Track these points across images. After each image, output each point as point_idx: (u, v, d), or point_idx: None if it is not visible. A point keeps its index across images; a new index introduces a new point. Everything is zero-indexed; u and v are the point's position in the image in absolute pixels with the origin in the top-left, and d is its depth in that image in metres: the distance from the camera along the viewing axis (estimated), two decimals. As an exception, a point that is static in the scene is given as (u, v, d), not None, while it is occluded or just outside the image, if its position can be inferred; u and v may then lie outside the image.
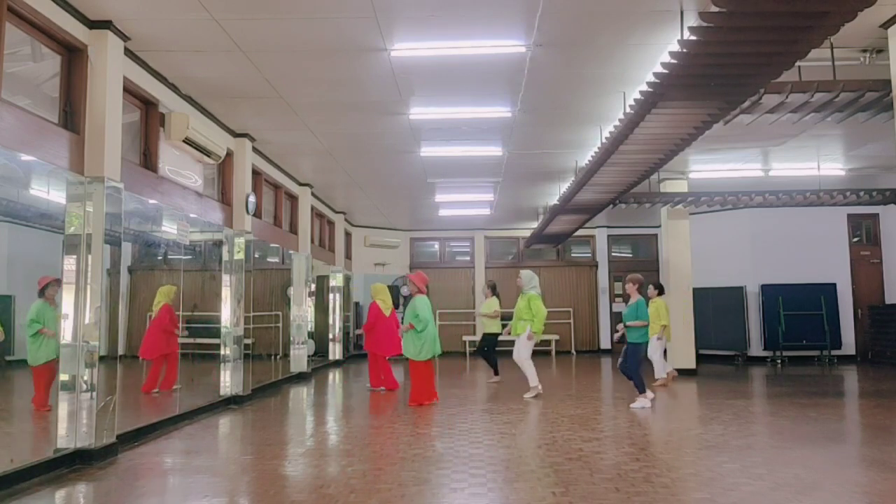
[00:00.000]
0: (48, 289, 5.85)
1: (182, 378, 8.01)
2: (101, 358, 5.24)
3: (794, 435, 6.08)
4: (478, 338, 16.40)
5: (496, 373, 10.49)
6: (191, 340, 8.94)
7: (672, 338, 10.30)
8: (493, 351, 10.70)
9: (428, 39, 5.76)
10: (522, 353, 8.80)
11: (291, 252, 11.55)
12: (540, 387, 8.66)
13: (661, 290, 10.11)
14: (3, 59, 4.39)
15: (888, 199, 10.55)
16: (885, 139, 8.77)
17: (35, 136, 4.77)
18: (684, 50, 4.61)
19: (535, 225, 14.47)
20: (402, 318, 8.61)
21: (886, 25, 5.37)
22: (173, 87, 6.80)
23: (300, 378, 11.19)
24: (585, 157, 9.28)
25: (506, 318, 10.47)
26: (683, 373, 11.18)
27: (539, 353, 16.06)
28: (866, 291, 13.76)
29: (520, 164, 10.24)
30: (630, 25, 5.47)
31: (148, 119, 6.54)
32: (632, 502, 3.95)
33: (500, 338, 10.74)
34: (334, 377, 12.09)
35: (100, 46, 5.35)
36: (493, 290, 11.04)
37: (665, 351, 9.99)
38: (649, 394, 7.84)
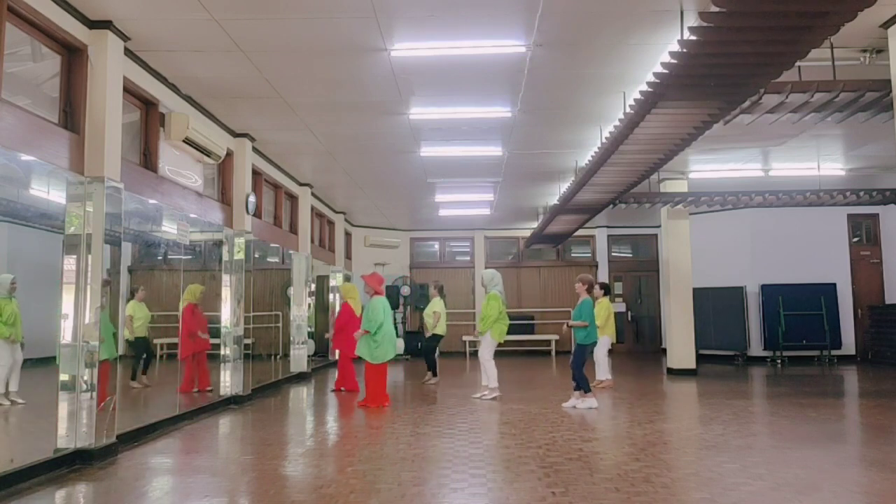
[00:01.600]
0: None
1: (182, 378, 8.02)
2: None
3: (794, 435, 6.08)
4: (476, 337, 16.47)
5: (434, 374, 10.54)
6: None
7: (614, 338, 10.29)
8: (431, 352, 10.65)
9: (428, 39, 5.76)
10: (484, 353, 8.78)
11: (291, 252, 11.56)
12: (498, 392, 8.59)
13: (606, 291, 10.23)
14: (3, 59, 4.39)
15: (888, 199, 10.54)
16: (885, 139, 8.77)
17: (35, 136, 4.77)
18: (684, 50, 4.60)
19: (535, 225, 14.47)
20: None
21: (886, 25, 5.37)
22: (173, 87, 6.80)
23: (300, 378, 11.19)
24: (585, 157, 9.28)
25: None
26: (684, 373, 11.18)
27: (539, 353, 16.18)
28: (866, 291, 13.76)
29: (520, 164, 10.24)
30: (630, 25, 5.47)
31: (148, 119, 6.54)
32: (632, 502, 3.95)
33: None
34: (334, 377, 12.06)
35: (100, 46, 5.35)
36: (439, 290, 10.88)
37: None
38: (591, 400, 7.71)
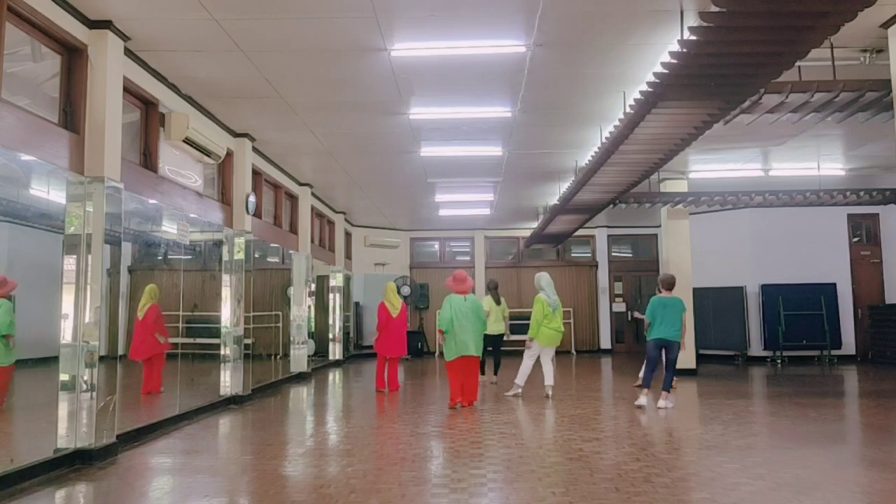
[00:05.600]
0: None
1: (182, 378, 8.00)
2: (101, 358, 5.25)
3: (794, 435, 6.08)
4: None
5: (482, 373, 10.36)
6: (191, 340, 8.93)
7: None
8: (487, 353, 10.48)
9: (428, 39, 5.76)
10: (527, 352, 8.79)
11: (291, 252, 11.56)
12: (520, 390, 8.59)
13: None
14: (3, 59, 4.39)
15: (888, 199, 10.54)
16: (885, 139, 8.77)
17: (35, 136, 4.77)
18: (684, 50, 4.61)
19: (535, 225, 14.47)
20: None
21: (886, 25, 5.37)
22: (173, 87, 6.80)
23: (300, 378, 11.19)
24: (585, 157, 9.28)
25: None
26: (683, 373, 11.17)
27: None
28: (866, 291, 13.76)
29: (520, 164, 10.24)
30: (630, 25, 5.47)
31: (148, 119, 6.54)
32: (632, 502, 3.95)
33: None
34: (334, 377, 12.09)
35: (100, 46, 5.35)
36: (490, 290, 10.58)
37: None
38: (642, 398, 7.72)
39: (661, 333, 7.71)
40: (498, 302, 10.31)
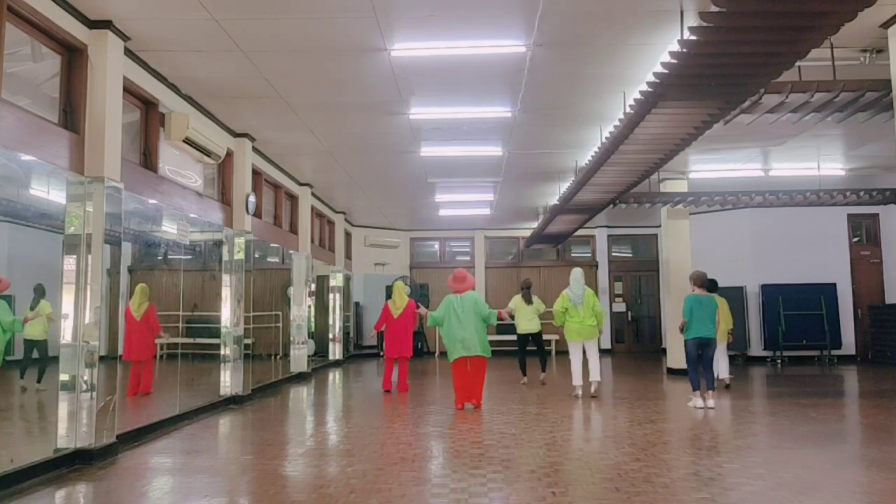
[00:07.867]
0: None
1: (182, 378, 8.01)
2: (101, 358, 5.25)
3: (794, 435, 6.07)
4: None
5: (524, 374, 10.28)
6: (191, 340, 8.93)
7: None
8: (520, 352, 10.40)
9: (428, 39, 5.76)
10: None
11: (291, 252, 11.56)
12: (576, 391, 8.51)
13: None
14: (3, 59, 4.39)
15: (888, 199, 10.54)
16: (885, 139, 8.77)
17: (35, 136, 4.77)
18: (684, 50, 4.61)
19: (535, 225, 14.47)
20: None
21: (886, 25, 5.37)
22: (173, 87, 6.80)
23: (300, 378, 11.19)
24: (585, 157, 9.28)
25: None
26: (684, 373, 11.14)
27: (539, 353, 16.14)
28: (866, 291, 13.76)
29: (520, 164, 10.24)
30: (630, 25, 5.47)
31: (148, 119, 6.54)
32: (632, 502, 3.94)
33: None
34: (334, 377, 12.09)
35: (100, 46, 5.35)
36: (523, 289, 10.39)
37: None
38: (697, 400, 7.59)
39: (700, 332, 7.61)
40: (529, 301, 10.18)
